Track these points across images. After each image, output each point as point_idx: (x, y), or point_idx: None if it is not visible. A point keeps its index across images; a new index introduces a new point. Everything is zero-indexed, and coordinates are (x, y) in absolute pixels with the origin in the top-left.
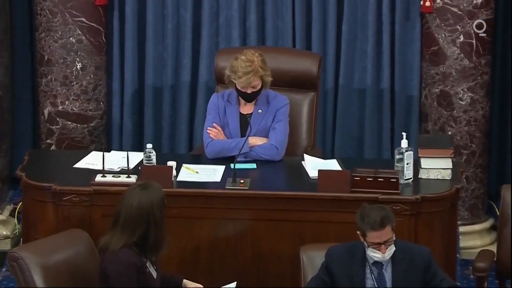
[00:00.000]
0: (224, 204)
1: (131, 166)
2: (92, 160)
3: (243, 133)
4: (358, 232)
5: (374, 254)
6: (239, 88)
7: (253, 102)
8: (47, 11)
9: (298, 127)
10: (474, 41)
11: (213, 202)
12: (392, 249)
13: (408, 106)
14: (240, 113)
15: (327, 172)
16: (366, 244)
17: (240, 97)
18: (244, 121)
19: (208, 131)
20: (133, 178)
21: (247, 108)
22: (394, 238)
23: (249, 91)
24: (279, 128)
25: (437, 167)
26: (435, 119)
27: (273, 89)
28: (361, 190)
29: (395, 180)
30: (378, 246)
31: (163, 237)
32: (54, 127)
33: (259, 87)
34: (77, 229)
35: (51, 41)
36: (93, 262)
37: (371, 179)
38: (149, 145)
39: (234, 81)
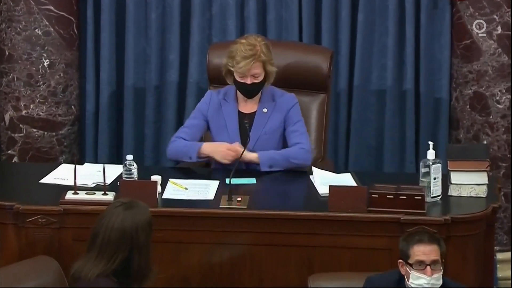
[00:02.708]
0: (218, 226)
1: (108, 181)
2: (61, 175)
3: (243, 137)
4: (400, 260)
5: (417, 282)
6: (237, 78)
7: (255, 99)
8: None
9: None
10: None
11: (205, 223)
12: (439, 279)
13: (436, 110)
14: (240, 112)
15: (340, 189)
16: (409, 270)
17: (239, 93)
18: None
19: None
20: (110, 196)
21: (248, 107)
22: (441, 269)
23: (248, 81)
24: (301, 129)
25: (470, 182)
26: (468, 126)
27: None
28: (379, 209)
29: (420, 198)
30: (423, 267)
31: (148, 265)
32: (16, 135)
33: (260, 77)
34: (44, 256)
35: (13, 33)
36: None
37: (392, 196)
38: (129, 157)
39: (232, 68)
